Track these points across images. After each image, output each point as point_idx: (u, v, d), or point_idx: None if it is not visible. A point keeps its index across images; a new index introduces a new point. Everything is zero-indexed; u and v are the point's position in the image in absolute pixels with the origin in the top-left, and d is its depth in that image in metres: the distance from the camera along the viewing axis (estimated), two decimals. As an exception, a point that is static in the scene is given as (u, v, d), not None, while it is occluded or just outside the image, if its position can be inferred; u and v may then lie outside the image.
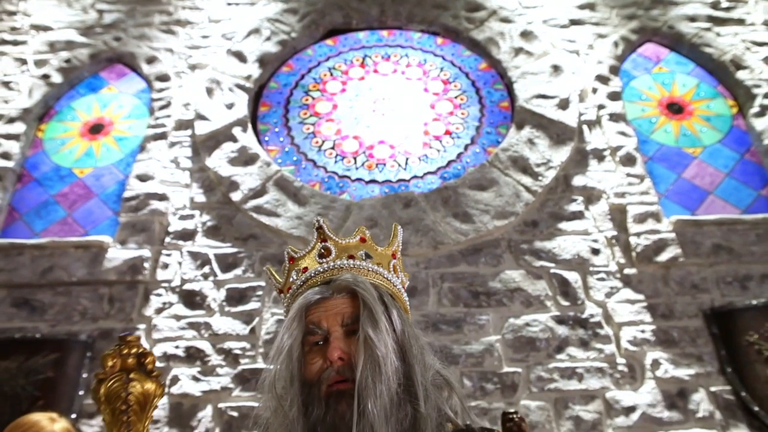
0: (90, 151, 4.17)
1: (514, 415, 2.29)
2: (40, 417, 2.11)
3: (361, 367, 1.16)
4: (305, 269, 1.35)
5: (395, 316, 1.27)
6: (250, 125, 4.11)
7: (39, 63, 4.56)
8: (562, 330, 3.25)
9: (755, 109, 4.02)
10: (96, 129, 4.28)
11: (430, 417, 1.20)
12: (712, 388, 3.07)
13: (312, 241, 1.37)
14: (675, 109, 4.16)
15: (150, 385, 0.98)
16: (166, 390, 3.10)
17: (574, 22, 4.56)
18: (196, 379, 3.19)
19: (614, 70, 4.27)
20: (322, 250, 1.35)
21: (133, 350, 0.99)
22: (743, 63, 4.23)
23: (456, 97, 4.31)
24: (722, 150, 3.97)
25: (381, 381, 1.15)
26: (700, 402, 3.03)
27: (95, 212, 3.89)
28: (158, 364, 3.23)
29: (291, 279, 1.37)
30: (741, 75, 4.18)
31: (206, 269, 3.52)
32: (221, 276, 3.50)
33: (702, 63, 4.37)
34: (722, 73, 4.28)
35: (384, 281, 1.33)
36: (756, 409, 2.95)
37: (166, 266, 3.54)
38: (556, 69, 4.23)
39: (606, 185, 3.71)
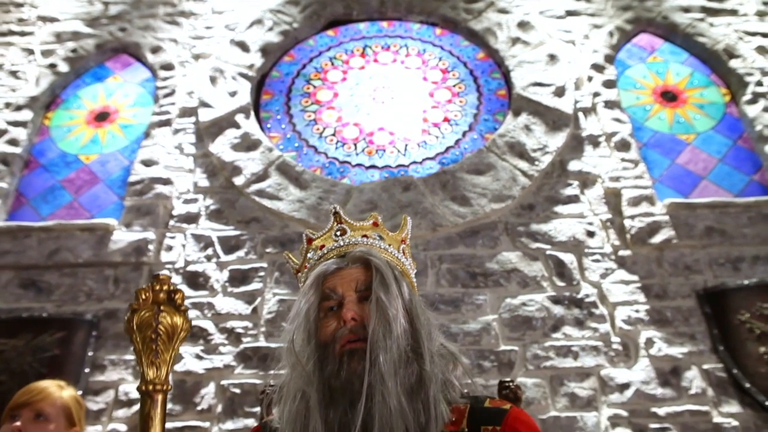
0: (96, 138, 4.20)
1: (510, 383, 2.32)
2: (48, 384, 2.14)
3: (373, 324, 1.23)
4: (322, 247, 1.43)
5: (404, 287, 1.34)
6: (252, 112, 4.14)
7: (46, 53, 4.58)
8: (557, 310, 3.27)
9: (747, 97, 4.04)
10: (101, 117, 4.30)
11: (435, 377, 1.25)
12: (705, 366, 3.08)
13: (328, 225, 1.45)
14: (669, 97, 4.18)
15: (178, 319, 1.02)
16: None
17: (570, 13, 4.58)
18: (199, 357, 3.21)
19: (609, 59, 4.29)
20: (338, 231, 1.44)
21: (165, 287, 1.03)
22: (736, 52, 4.25)
23: (454, 86, 4.33)
24: (715, 136, 3.98)
25: (391, 338, 1.22)
26: (693, 379, 3.05)
27: (101, 197, 3.92)
28: (162, 342, 3.25)
29: (308, 257, 1.45)
30: (734, 64, 4.20)
31: (209, 251, 3.54)
32: (224, 258, 3.52)
33: (695, 52, 4.39)
34: (715, 62, 4.29)
35: (395, 259, 1.39)
36: (747, 385, 2.97)
37: (170, 248, 3.56)
38: (553, 58, 4.25)
39: (601, 170, 3.73)
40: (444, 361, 1.34)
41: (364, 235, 1.43)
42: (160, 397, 0.97)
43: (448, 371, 1.35)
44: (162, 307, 1.01)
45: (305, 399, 1.25)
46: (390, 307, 1.27)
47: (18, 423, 1.98)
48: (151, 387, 0.96)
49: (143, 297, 1.02)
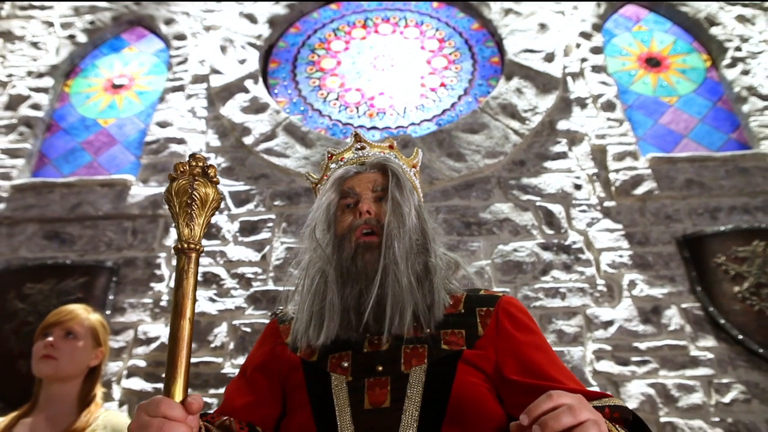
0: (113, 104, 4.25)
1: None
2: (77, 306, 2.21)
3: (389, 217, 1.33)
4: (342, 159, 1.51)
5: (415, 196, 1.43)
6: (260, 79, 4.18)
7: (65, 25, 4.63)
8: (546, 255, 3.33)
9: (727, 61, 4.08)
10: (118, 84, 4.35)
11: (439, 268, 1.34)
12: (683, 305, 3.15)
13: (349, 143, 1.54)
14: (653, 63, 4.22)
15: (210, 190, 1.08)
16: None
17: (560, -14, 4.61)
18: (212, 300, 3.29)
19: (597, 28, 4.32)
20: (358, 147, 1.53)
21: (200, 163, 1.08)
22: (717, 20, 4.28)
23: (450, 54, 4.37)
24: (696, 99, 4.03)
25: (404, 230, 1.31)
26: (672, 317, 3.12)
27: (118, 157, 3.98)
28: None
29: (329, 167, 1.53)
30: (714, 31, 4.23)
31: (221, 204, 3.60)
32: (235, 210, 3.59)
33: (678, 21, 4.42)
34: (697, 30, 4.33)
35: (407, 174, 1.46)
36: (722, 321, 3.03)
37: (184, 202, 3.62)
38: (543, 27, 4.29)
39: (588, 129, 3.78)
40: (446, 266, 1.42)
41: (382, 152, 1.50)
42: (193, 255, 1.03)
43: (450, 272, 1.44)
44: (197, 179, 1.08)
45: (324, 276, 1.33)
46: (403, 204, 1.35)
47: (50, 338, 2.05)
48: (186, 245, 1.03)
49: (181, 170, 1.08)
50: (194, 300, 1.02)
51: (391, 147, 1.56)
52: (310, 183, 1.65)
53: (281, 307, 1.53)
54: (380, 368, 1.22)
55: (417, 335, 1.26)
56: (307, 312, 1.33)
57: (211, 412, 1.29)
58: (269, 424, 1.28)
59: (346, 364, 1.25)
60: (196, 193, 1.07)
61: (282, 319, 1.47)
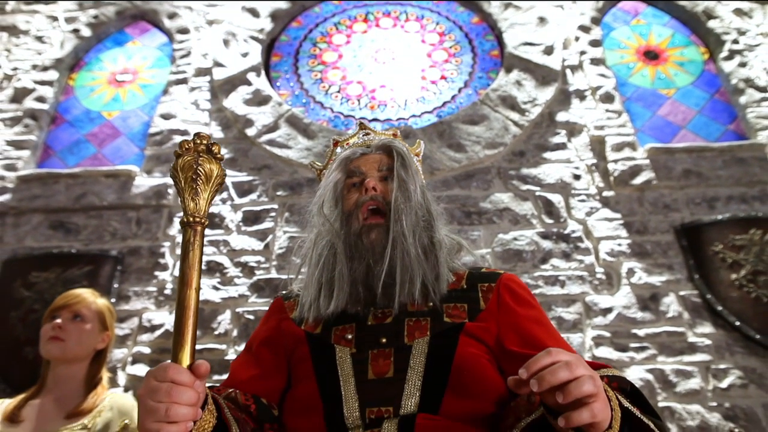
0: (117, 97, 4.26)
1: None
2: (84, 290, 2.23)
3: (395, 193, 1.35)
4: (348, 143, 1.53)
5: (419, 177, 1.46)
6: (263, 72, 4.19)
7: (69, 20, 4.63)
8: (546, 244, 3.34)
9: (724, 54, 4.09)
10: (122, 78, 4.36)
11: (444, 244, 1.35)
12: (681, 293, 3.16)
13: (354, 131, 1.56)
14: (651, 56, 4.23)
15: (215, 166, 1.09)
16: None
17: (560, -20, 4.61)
18: (216, 288, 3.30)
19: (596, 21, 4.33)
20: (363, 134, 1.55)
21: (204, 140, 1.10)
22: (714, 14, 4.28)
23: (450, 47, 4.38)
24: (694, 91, 4.03)
25: (411, 206, 1.34)
26: (670, 304, 3.13)
27: (123, 149, 3.99)
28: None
29: (335, 152, 1.55)
30: (712, 24, 4.24)
31: (224, 195, 3.61)
32: (238, 201, 3.60)
33: (676, 15, 4.42)
34: (695, 23, 4.33)
35: (411, 158, 1.47)
36: (719, 308, 3.05)
37: (188, 193, 3.63)
38: (542, 20, 4.29)
39: (587, 120, 3.79)
40: (449, 245, 1.44)
41: (386, 137, 1.52)
42: (199, 228, 1.04)
43: (453, 253, 1.46)
44: (201, 155, 1.09)
45: (333, 249, 1.35)
46: (409, 182, 1.37)
47: (59, 321, 2.06)
48: (192, 219, 1.04)
49: (186, 146, 1.09)
50: (200, 271, 1.03)
51: (395, 135, 1.58)
52: (314, 171, 1.66)
53: (284, 292, 1.55)
54: (384, 340, 1.24)
55: (420, 309, 1.27)
56: (315, 283, 1.35)
57: (217, 385, 1.30)
58: (274, 397, 1.29)
59: (350, 337, 1.26)
60: (201, 169, 1.08)
61: (287, 297, 1.49)
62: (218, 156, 1.12)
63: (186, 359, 0.96)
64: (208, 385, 1.07)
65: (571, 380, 0.85)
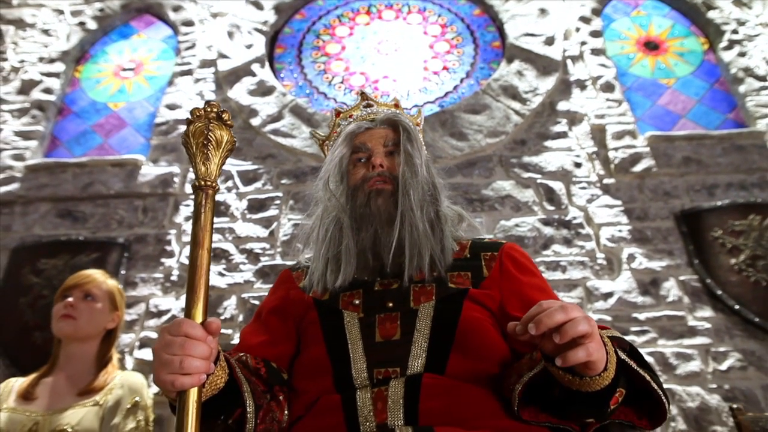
0: (123, 88, 4.29)
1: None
2: (94, 271, 2.26)
3: (402, 168, 1.38)
4: (351, 116, 1.55)
5: (424, 150, 1.48)
6: (267, 63, 4.22)
7: (75, 13, 4.66)
8: (547, 230, 3.37)
9: (724, 44, 4.11)
10: (127, 70, 4.38)
11: (449, 216, 1.39)
12: (681, 277, 3.18)
13: (355, 102, 1.57)
14: (651, 46, 4.25)
15: (225, 133, 1.12)
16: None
17: (560, -28, 4.63)
18: (221, 274, 3.33)
19: (596, 12, 4.35)
20: (365, 105, 1.55)
21: (215, 108, 1.12)
22: (713, 4, 4.30)
23: (452, 39, 4.40)
24: (694, 80, 4.05)
25: (417, 180, 1.36)
26: (670, 289, 3.15)
27: (129, 139, 4.02)
28: (187, 262, 3.36)
29: (338, 123, 1.57)
30: (711, 15, 4.26)
31: (230, 183, 3.64)
32: (243, 189, 3.63)
33: (676, 6, 4.44)
34: (695, 14, 4.35)
35: (416, 132, 1.49)
36: (719, 292, 3.07)
37: (193, 181, 3.66)
38: (543, 12, 4.31)
39: (587, 109, 3.81)
40: (451, 219, 1.47)
41: (389, 110, 1.54)
42: (210, 192, 1.08)
43: (455, 223, 1.49)
44: (212, 122, 1.12)
45: (339, 224, 1.37)
46: (415, 156, 1.39)
47: (70, 299, 2.09)
48: (203, 182, 1.07)
49: (197, 114, 1.12)
50: (211, 232, 1.07)
51: (396, 105, 1.60)
52: (317, 141, 1.68)
53: (291, 264, 1.58)
54: (390, 304, 1.27)
55: (426, 277, 1.30)
56: (322, 259, 1.37)
57: (228, 351, 1.32)
58: (283, 362, 1.31)
59: (357, 302, 1.29)
60: (211, 135, 1.11)
61: (294, 268, 1.51)
62: (228, 123, 1.15)
63: (199, 316, 0.99)
64: None
65: (566, 321, 0.88)
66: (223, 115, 1.15)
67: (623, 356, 1.01)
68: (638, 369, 1.03)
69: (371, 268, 1.33)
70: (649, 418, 1.09)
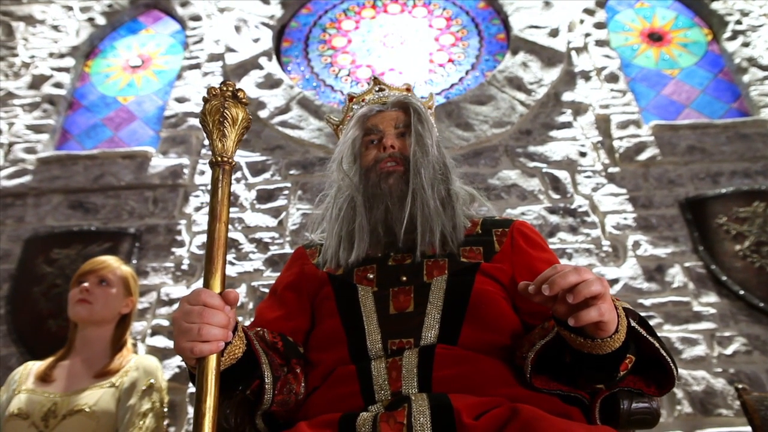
0: (132, 83, 4.31)
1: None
2: (109, 257, 2.28)
3: (413, 148, 1.39)
4: (363, 99, 1.57)
5: (435, 132, 1.50)
6: (274, 56, 4.23)
7: (84, 9, 4.68)
8: (553, 218, 3.38)
9: (728, 34, 4.11)
10: (136, 64, 4.41)
11: (460, 195, 1.41)
12: (686, 264, 3.19)
13: (368, 87, 1.58)
14: (655, 37, 4.25)
15: (240, 111, 1.14)
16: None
17: (564, -35, 4.62)
18: (231, 263, 3.35)
19: (600, 4, 4.34)
20: (377, 89, 1.58)
21: (231, 87, 1.15)
22: (717, -5, 4.30)
23: (457, 32, 4.41)
24: (698, 71, 4.05)
25: (428, 159, 1.38)
26: (676, 275, 3.16)
27: (138, 132, 4.04)
28: (197, 251, 3.39)
29: (351, 107, 1.59)
30: (715, 6, 4.26)
31: (238, 174, 3.66)
32: (251, 180, 3.64)
33: (680, -3, 4.44)
34: (698, 5, 4.35)
35: (426, 113, 1.50)
36: (724, 278, 3.08)
37: (202, 173, 3.68)
38: (547, 4, 4.32)
39: (592, 99, 3.81)
40: (463, 195, 1.49)
41: (401, 93, 1.55)
42: (227, 167, 1.10)
43: (467, 202, 1.51)
44: (228, 100, 1.14)
45: (352, 203, 1.40)
46: (425, 137, 1.41)
47: (86, 284, 2.12)
48: (220, 158, 1.09)
49: (213, 93, 1.14)
50: (228, 206, 1.09)
51: (408, 90, 1.61)
52: (331, 125, 1.71)
53: (305, 241, 1.60)
54: (404, 278, 1.28)
55: (438, 253, 1.32)
56: (335, 237, 1.39)
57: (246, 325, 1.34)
58: (299, 336, 1.33)
59: (371, 276, 1.31)
60: (227, 113, 1.13)
61: (308, 245, 1.53)
62: (244, 101, 1.17)
63: (217, 286, 1.01)
64: None
65: (579, 282, 0.90)
66: (239, 94, 1.16)
67: (633, 323, 1.02)
68: (648, 336, 1.04)
69: (384, 243, 1.35)
70: (657, 386, 1.11)
